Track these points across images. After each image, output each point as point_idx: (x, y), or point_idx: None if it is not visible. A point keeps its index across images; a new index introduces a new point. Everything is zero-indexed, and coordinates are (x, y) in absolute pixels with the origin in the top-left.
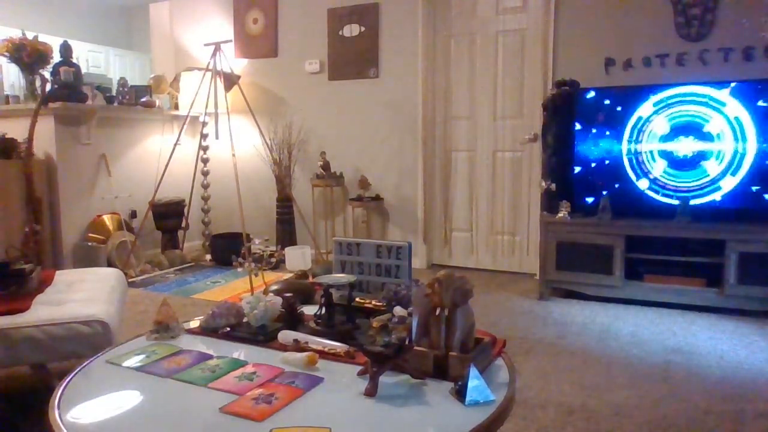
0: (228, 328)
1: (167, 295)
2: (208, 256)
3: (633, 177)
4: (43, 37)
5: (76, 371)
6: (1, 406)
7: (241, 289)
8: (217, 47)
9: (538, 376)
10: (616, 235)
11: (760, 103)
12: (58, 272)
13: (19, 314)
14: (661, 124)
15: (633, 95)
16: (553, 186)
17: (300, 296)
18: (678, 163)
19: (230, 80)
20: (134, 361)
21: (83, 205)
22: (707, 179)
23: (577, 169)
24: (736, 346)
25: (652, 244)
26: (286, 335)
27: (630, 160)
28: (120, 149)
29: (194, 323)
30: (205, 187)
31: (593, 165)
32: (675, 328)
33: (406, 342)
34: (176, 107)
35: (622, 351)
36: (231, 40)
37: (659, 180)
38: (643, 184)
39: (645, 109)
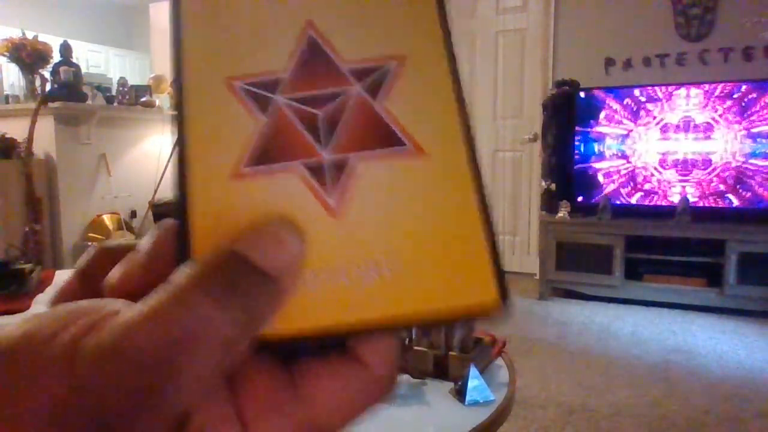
0: None
1: None
2: None
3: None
4: (43, 37)
5: None
6: None
7: None
8: None
9: (538, 376)
10: (616, 235)
11: None
12: (57, 272)
13: (18, 314)
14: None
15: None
16: (553, 186)
17: None
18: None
19: None
20: None
21: (83, 205)
22: None
23: (577, 169)
24: (736, 346)
25: (652, 244)
26: None
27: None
28: (120, 149)
29: None
30: None
31: (593, 165)
32: (675, 328)
33: (406, 342)
34: None
35: (622, 351)
36: None
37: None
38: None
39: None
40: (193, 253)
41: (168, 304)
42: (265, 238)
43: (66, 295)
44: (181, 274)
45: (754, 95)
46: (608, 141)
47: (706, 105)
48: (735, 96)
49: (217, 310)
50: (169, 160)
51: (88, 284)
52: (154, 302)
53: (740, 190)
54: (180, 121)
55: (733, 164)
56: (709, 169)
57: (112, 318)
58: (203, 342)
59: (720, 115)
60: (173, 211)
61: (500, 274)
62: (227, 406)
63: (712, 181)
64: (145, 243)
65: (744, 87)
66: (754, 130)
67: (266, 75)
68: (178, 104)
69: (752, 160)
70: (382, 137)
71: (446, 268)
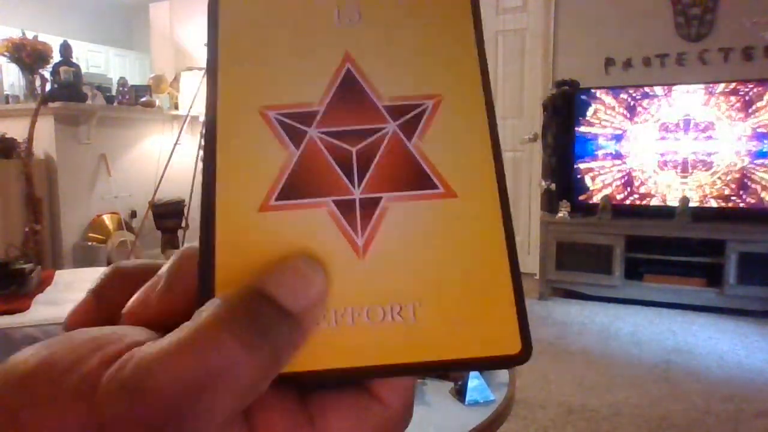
0: None
1: None
2: None
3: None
4: (43, 37)
5: None
6: None
7: None
8: None
9: (538, 376)
10: (615, 235)
11: None
12: (57, 272)
13: (18, 314)
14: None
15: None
16: (553, 186)
17: None
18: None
19: None
20: None
21: (83, 205)
22: None
23: (577, 169)
24: (736, 346)
25: (652, 244)
26: None
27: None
28: (120, 149)
29: None
30: None
31: (593, 164)
32: (675, 328)
33: None
34: (176, 107)
35: (622, 351)
36: None
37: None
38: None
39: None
40: (216, 286)
41: (193, 342)
42: (290, 276)
43: (80, 316)
44: (207, 312)
45: (758, 90)
46: (608, 141)
47: (707, 105)
48: (738, 96)
49: (242, 352)
50: (169, 160)
51: (102, 306)
52: (179, 339)
53: (742, 194)
54: (210, 147)
55: (738, 166)
56: (711, 171)
57: (134, 351)
58: (227, 383)
59: (725, 115)
60: (199, 241)
61: (524, 324)
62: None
63: (715, 183)
64: (164, 269)
65: (748, 86)
66: (760, 131)
67: (301, 107)
68: (210, 130)
69: (758, 160)
70: (415, 178)
71: (472, 317)
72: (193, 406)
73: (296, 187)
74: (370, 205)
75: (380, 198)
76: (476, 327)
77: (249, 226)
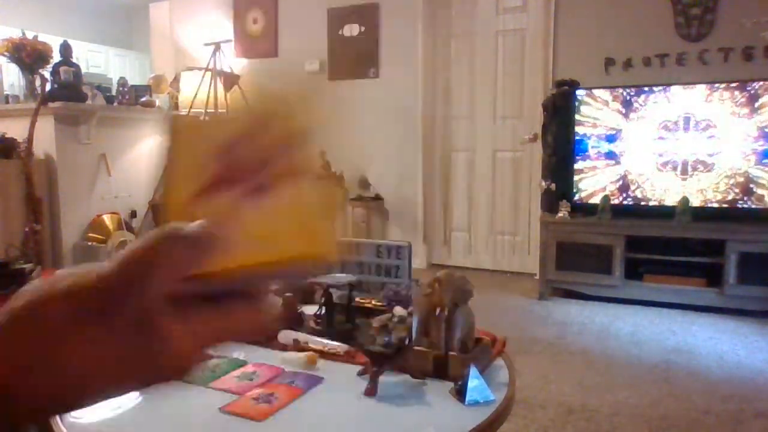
0: None
1: None
2: None
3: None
4: (43, 37)
5: None
6: None
7: None
8: (217, 47)
9: (538, 376)
10: (615, 235)
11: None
12: (57, 272)
13: None
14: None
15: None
16: (553, 186)
17: (300, 296)
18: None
19: (230, 80)
20: None
21: (83, 205)
22: None
23: (577, 169)
24: (736, 346)
25: (651, 244)
26: (286, 335)
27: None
28: (120, 149)
29: None
30: None
31: (592, 164)
32: (675, 328)
33: (406, 342)
34: (176, 107)
35: (622, 351)
36: (231, 40)
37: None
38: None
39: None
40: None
41: (150, 238)
42: (197, 224)
43: None
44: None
45: (764, 84)
46: (606, 141)
47: (708, 105)
48: (743, 92)
49: (176, 247)
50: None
51: None
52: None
53: (746, 199)
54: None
55: (743, 169)
56: (712, 173)
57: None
58: (171, 262)
59: (728, 113)
60: (158, 215)
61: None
62: (178, 319)
63: (718, 186)
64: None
65: (750, 86)
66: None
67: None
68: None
69: (766, 160)
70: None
71: (312, 241)
72: (153, 271)
73: (210, 193)
74: (263, 190)
75: (270, 185)
76: (312, 245)
77: (186, 209)
